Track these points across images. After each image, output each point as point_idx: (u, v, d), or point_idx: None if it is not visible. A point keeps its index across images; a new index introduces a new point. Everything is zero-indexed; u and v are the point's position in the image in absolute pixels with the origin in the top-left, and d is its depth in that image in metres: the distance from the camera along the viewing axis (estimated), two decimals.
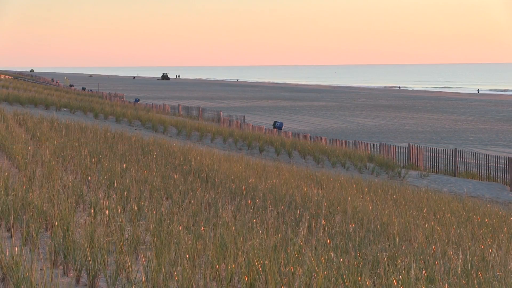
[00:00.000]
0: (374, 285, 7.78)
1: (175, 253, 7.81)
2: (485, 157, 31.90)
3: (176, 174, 15.84)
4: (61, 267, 7.74)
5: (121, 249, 7.95)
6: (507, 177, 30.06)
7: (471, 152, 33.08)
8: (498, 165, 30.91)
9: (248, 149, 34.95)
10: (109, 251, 8.25)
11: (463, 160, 33.04)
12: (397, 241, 10.62)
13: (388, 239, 11.13)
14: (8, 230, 9.07)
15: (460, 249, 10.47)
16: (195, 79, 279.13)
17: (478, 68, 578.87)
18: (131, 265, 7.41)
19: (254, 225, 10.29)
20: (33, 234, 8.30)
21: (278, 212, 12.20)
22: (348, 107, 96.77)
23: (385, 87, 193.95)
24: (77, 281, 7.30)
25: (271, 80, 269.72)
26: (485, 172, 31.61)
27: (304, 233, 10.20)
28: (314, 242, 9.60)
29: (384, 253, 9.46)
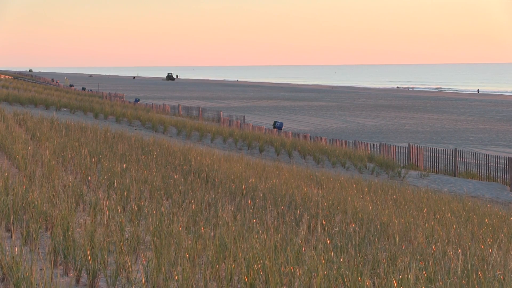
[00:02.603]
0: (374, 285, 7.77)
1: (175, 253, 7.80)
2: (485, 157, 31.91)
3: (176, 174, 15.84)
4: (61, 267, 7.74)
5: (121, 249, 7.95)
6: (507, 177, 30.06)
7: (471, 152, 33.08)
8: (498, 165, 30.92)
9: (248, 149, 34.94)
10: (109, 251, 8.24)
11: (463, 160, 33.04)
12: (397, 241, 10.62)
13: (388, 239, 11.14)
14: (8, 230, 9.07)
15: (460, 249, 10.47)
16: (195, 79, 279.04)
17: (478, 68, 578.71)
18: (131, 265, 7.41)
19: (254, 225, 10.29)
20: (33, 234, 8.30)
21: (278, 212, 12.19)
22: (348, 107, 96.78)
23: (385, 87, 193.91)
24: (77, 281, 7.30)
25: (271, 80, 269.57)
26: (485, 172, 31.61)
27: (304, 233, 10.20)
28: (314, 242, 9.59)
29: (384, 253, 9.46)
